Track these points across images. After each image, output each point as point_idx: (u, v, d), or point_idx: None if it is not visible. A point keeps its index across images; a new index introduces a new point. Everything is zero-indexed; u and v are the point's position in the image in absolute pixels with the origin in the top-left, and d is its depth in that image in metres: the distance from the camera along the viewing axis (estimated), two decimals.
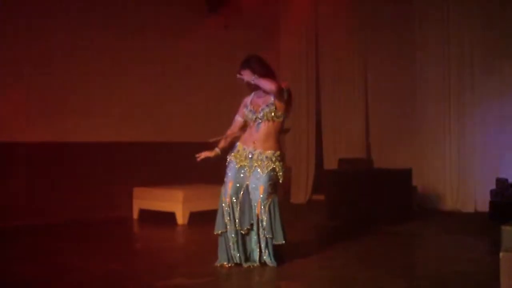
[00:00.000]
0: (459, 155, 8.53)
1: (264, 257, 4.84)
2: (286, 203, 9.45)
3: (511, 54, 8.17)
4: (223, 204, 4.92)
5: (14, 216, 7.15)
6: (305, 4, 10.05)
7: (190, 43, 8.96)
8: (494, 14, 8.28)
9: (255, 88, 5.00)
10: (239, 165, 4.94)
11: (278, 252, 4.92)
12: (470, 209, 8.36)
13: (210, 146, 5.10)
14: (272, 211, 4.84)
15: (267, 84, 4.84)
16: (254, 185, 4.87)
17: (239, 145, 5.03)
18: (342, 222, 7.36)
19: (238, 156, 4.96)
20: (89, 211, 7.78)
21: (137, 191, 8.04)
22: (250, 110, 5.00)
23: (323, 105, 10.01)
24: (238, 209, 4.87)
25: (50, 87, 7.65)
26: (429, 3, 8.84)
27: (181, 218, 7.45)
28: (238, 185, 4.91)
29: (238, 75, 4.99)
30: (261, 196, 4.82)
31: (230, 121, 5.23)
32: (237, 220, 4.86)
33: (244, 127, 5.11)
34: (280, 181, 4.96)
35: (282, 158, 4.98)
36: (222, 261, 4.89)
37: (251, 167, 4.91)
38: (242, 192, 4.90)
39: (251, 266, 4.82)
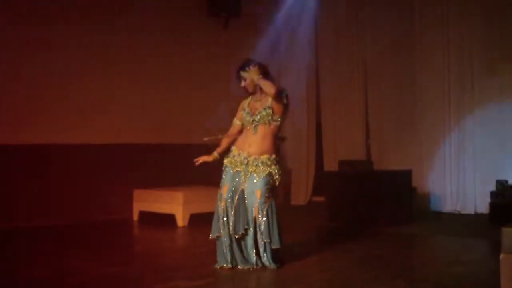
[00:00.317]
0: (459, 156, 8.52)
1: (263, 260, 4.84)
2: (286, 205, 9.46)
3: (511, 55, 8.17)
4: (219, 209, 4.93)
5: (14, 218, 7.14)
6: (305, 6, 10.05)
7: (190, 44, 8.97)
8: (494, 14, 8.27)
9: (253, 91, 5.03)
10: (234, 170, 4.94)
11: (277, 255, 4.91)
12: (470, 210, 8.35)
13: (208, 150, 5.09)
14: (270, 215, 4.83)
15: (269, 86, 4.86)
16: (250, 190, 4.87)
17: (234, 149, 5.02)
18: (342, 223, 7.35)
19: (233, 161, 4.96)
20: (89, 213, 7.78)
21: (137, 193, 8.04)
22: (248, 113, 5.00)
23: (323, 107, 10.01)
24: (232, 213, 4.87)
25: (50, 87, 7.65)
26: (429, 4, 8.84)
27: (181, 220, 7.45)
28: (233, 189, 4.90)
29: (243, 71, 4.99)
30: (259, 200, 4.82)
31: (230, 122, 5.22)
32: (231, 225, 4.86)
33: (242, 130, 5.11)
34: (277, 184, 4.96)
35: (278, 161, 4.98)
36: (222, 263, 4.89)
37: (246, 173, 4.91)
38: (237, 197, 4.89)
39: (251, 269, 4.81)
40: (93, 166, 7.94)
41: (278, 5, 9.88)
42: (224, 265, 4.87)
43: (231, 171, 4.95)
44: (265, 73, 4.98)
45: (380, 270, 4.81)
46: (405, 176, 7.72)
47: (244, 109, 5.06)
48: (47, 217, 7.39)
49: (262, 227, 4.81)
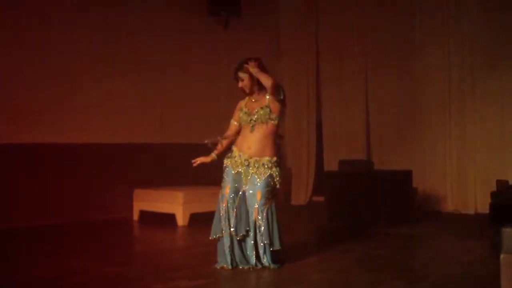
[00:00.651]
0: (459, 156, 8.53)
1: (263, 261, 4.84)
2: (286, 205, 9.46)
3: (511, 55, 8.16)
4: (220, 209, 4.92)
5: (13, 218, 7.14)
6: (305, 4, 10.05)
7: (190, 44, 8.98)
8: (494, 15, 8.27)
9: (250, 92, 5.03)
10: (235, 171, 4.94)
11: (277, 255, 4.91)
12: (470, 210, 8.35)
13: (207, 150, 5.09)
14: (269, 217, 4.83)
15: (266, 77, 4.84)
16: (251, 191, 4.87)
17: (235, 150, 5.01)
18: (342, 223, 7.35)
19: (234, 162, 4.96)
20: (89, 213, 7.78)
21: (138, 193, 8.04)
22: (245, 113, 5.00)
23: (323, 107, 10.01)
24: (234, 214, 4.86)
25: (50, 87, 7.64)
26: (429, 3, 8.83)
27: (181, 220, 7.45)
28: (235, 190, 4.90)
29: (240, 71, 4.99)
30: (259, 202, 4.82)
31: (229, 122, 5.22)
32: (232, 226, 4.86)
33: (240, 131, 5.10)
34: (277, 187, 4.96)
35: (278, 164, 4.97)
36: (222, 263, 4.89)
37: (247, 174, 4.90)
38: (238, 198, 4.89)
39: (251, 269, 4.82)
40: (93, 166, 7.94)
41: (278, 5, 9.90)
42: (225, 265, 4.87)
43: (232, 172, 4.95)
44: (263, 68, 4.97)
45: (380, 270, 4.81)
46: (406, 176, 7.73)
47: (241, 109, 5.06)
48: (47, 217, 7.39)
49: (262, 229, 4.81)
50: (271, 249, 4.83)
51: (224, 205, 4.90)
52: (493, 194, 7.41)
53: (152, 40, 8.56)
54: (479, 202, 8.27)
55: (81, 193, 7.76)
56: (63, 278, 4.60)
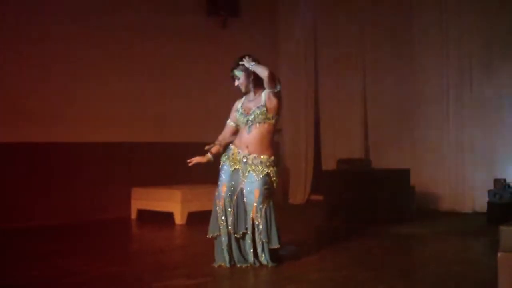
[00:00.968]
0: (457, 155, 8.53)
1: (261, 260, 4.84)
2: (284, 204, 9.46)
3: (510, 55, 8.17)
4: (217, 207, 4.92)
5: (13, 218, 7.13)
6: (304, 4, 10.05)
7: (189, 43, 8.97)
8: (494, 15, 8.26)
9: (246, 91, 5.03)
10: (233, 168, 4.94)
11: (275, 254, 4.91)
12: (468, 209, 8.35)
13: (204, 150, 5.07)
14: (268, 215, 4.83)
15: (262, 69, 4.81)
16: (249, 189, 4.86)
17: (233, 148, 5.01)
18: (341, 222, 7.36)
19: (232, 159, 4.96)
20: (87, 212, 7.78)
21: (135, 191, 8.04)
22: (241, 113, 4.99)
23: (321, 106, 10.01)
24: (231, 213, 4.87)
25: (49, 87, 7.64)
26: (428, 4, 8.84)
27: (179, 218, 7.46)
28: (232, 188, 4.90)
29: (236, 70, 4.98)
30: (257, 200, 4.82)
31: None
32: (230, 224, 4.86)
33: (236, 132, 5.09)
34: (275, 186, 4.95)
35: (276, 163, 4.97)
36: (220, 262, 4.89)
37: (245, 171, 4.90)
38: (236, 196, 4.90)
39: (249, 267, 4.82)
40: (91, 165, 7.94)
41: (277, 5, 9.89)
42: (222, 264, 4.87)
43: (230, 169, 4.94)
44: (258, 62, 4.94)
45: (378, 269, 4.81)
46: (404, 174, 7.73)
47: (237, 110, 5.05)
48: (45, 217, 7.38)
49: (261, 227, 4.81)
50: (269, 247, 4.83)
51: (220, 203, 4.90)
52: (490, 193, 7.44)
53: (151, 40, 8.55)
54: (477, 201, 8.27)
55: (79, 192, 7.76)
56: (62, 278, 4.59)
